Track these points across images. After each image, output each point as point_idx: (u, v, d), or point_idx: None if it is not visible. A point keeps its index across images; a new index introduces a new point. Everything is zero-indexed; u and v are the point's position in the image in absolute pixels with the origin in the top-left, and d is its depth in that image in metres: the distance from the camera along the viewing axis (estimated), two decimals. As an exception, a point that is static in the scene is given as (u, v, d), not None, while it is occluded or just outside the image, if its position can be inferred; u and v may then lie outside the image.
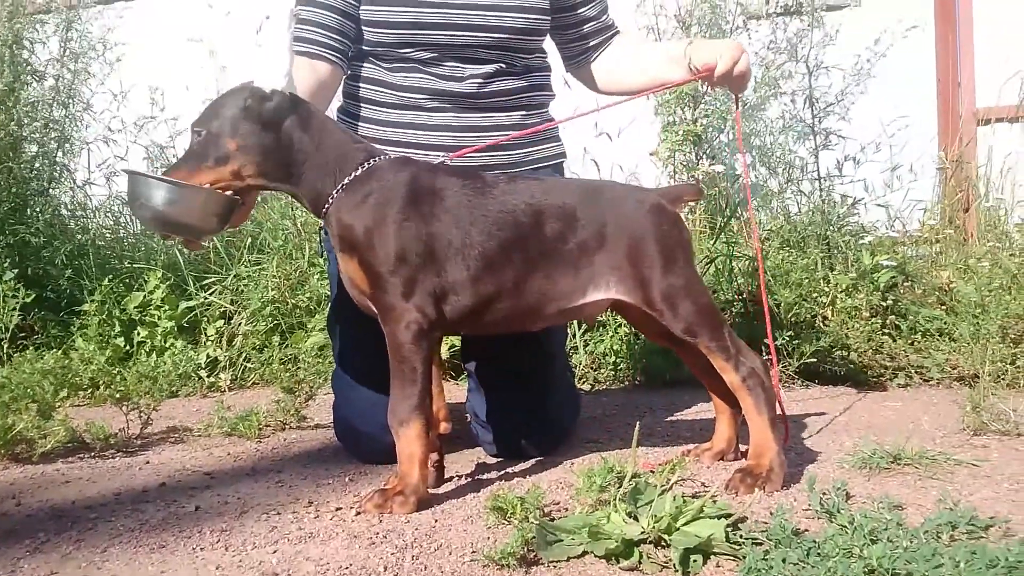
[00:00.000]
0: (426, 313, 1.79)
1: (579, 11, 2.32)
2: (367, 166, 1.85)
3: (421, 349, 1.79)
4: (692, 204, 3.82)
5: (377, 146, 2.00)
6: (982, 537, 1.49)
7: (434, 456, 1.94)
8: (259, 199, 4.12)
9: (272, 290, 3.62)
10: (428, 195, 1.84)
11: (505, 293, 1.86)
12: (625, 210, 1.92)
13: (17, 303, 3.52)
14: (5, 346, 3.45)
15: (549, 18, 2.24)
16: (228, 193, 1.80)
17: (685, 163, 4.04)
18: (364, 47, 2.21)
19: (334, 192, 1.84)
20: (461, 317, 1.85)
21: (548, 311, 1.91)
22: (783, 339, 2.94)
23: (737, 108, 2.29)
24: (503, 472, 2.09)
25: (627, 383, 3.24)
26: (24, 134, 4.00)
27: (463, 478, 2.04)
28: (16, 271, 3.64)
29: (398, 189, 1.83)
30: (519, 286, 1.87)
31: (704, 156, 4.05)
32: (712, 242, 3.57)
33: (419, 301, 1.79)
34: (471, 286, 1.83)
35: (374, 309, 1.85)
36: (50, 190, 4.16)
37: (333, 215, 1.84)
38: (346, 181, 1.84)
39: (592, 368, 3.28)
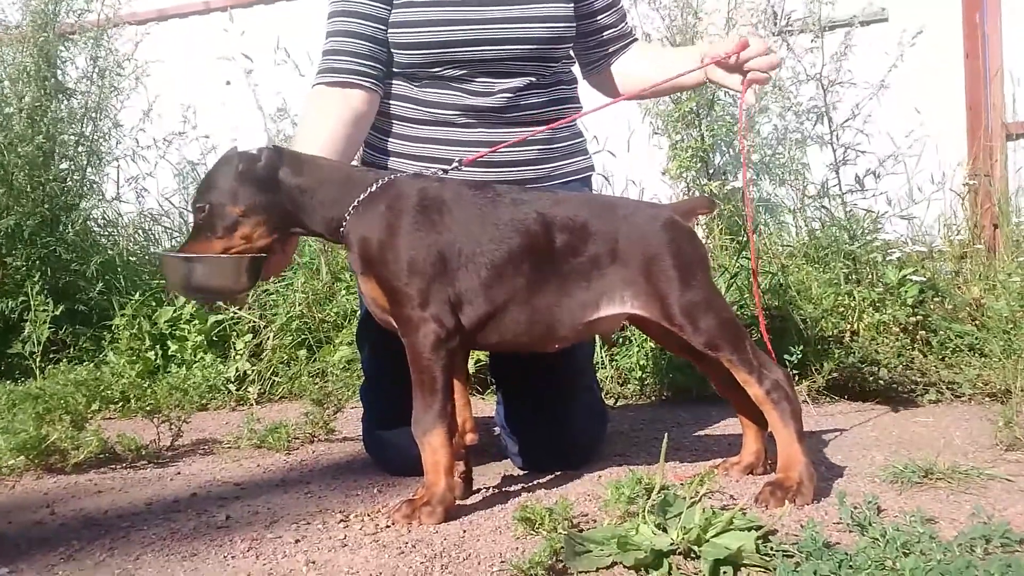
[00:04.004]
0: (443, 322, 1.80)
1: (598, 18, 2.34)
2: (378, 184, 1.88)
3: (440, 358, 1.80)
4: (706, 217, 3.83)
5: (387, 169, 2.02)
6: (1017, 551, 1.47)
7: (461, 467, 1.95)
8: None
9: (299, 305, 3.65)
10: (437, 206, 1.86)
11: (517, 302, 1.86)
12: (638, 225, 1.92)
13: (48, 316, 3.58)
14: (37, 359, 3.50)
15: (574, 25, 2.25)
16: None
17: (696, 181, 4.07)
18: (394, 68, 2.23)
19: (348, 212, 1.86)
20: (477, 326, 1.86)
21: (563, 325, 1.90)
22: (799, 353, 2.92)
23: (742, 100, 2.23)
24: (531, 484, 2.09)
25: (653, 398, 3.24)
26: (55, 149, 4.07)
27: (491, 490, 2.05)
28: (47, 285, 3.71)
29: (407, 201, 1.85)
30: (531, 296, 1.87)
31: (711, 174, 4.08)
32: (735, 259, 3.57)
33: (435, 311, 1.80)
34: (483, 294, 1.84)
35: (395, 325, 1.86)
36: (80, 205, 4.23)
37: (349, 234, 1.87)
38: (358, 201, 1.86)
39: (618, 383, 3.27)
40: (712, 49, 2.16)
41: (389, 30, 2.16)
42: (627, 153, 4.32)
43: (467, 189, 1.91)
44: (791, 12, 3.88)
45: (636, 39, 2.44)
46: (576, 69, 2.41)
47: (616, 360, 3.31)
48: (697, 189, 4.09)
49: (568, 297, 1.88)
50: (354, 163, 2.22)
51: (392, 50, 2.19)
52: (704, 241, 3.96)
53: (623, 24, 2.39)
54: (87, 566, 1.61)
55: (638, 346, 3.27)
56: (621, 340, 3.33)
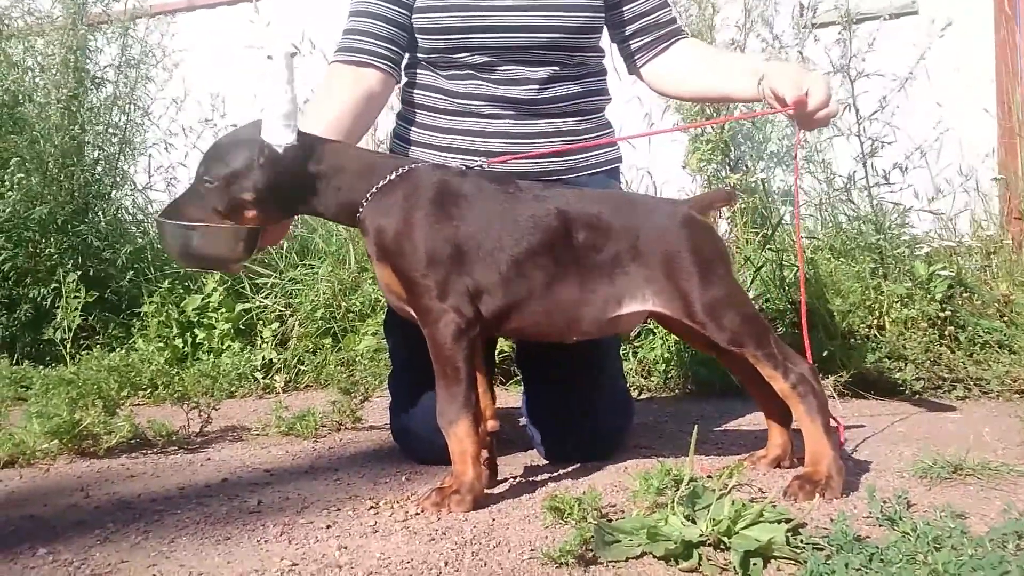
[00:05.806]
0: (463, 312, 1.80)
1: (624, 8, 2.28)
2: (398, 172, 1.88)
3: (461, 348, 1.80)
4: (726, 209, 3.85)
5: (408, 158, 2.03)
6: (1049, 548, 1.46)
7: (485, 454, 1.95)
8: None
9: (324, 294, 3.68)
10: (457, 198, 1.86)
11: (538, 297, 1.86)
12: (657, 222, 1.91)
13: (79, 303, 3.63)
14: (68, 346, 3.55)
15: (602, 15, 2.22)
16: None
17: (716, 174, 4.06)
18: (419, 54, 2.24)
19: (366, 199, 1.86)
20: (497, 318, 1.86)
21: (585, 321, 1.90)
22: (829, 348, 2.91)
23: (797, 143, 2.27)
24: (558, 474, 2.10)
25: (677, 391, 3.24)
26: (87, 139, 4.12)
27: (519, 479, 2.06)
28: (79, 272, 3.76)
29: (426, 192, 1.85)
30: (552, 291, 1.87)
31: (732, 166, 4.07)
32: (760, 251, 3.55)
33: (454, 301, 1.80)
34: (502, 288, 1.84)
35: (413, 314, 1.87)
36: (112, 193, 4.28)
37: (365, 220, 1.87)
38: (376, 188, 1.86)
39: (641, 375, 3.28)
40: (775, 80, 2.02)
41: (413, 15, 2.18)
42: (648, 145, 4.31)
43: (488, 183, 1.91)
44: (817, 4, 3.84)
45: (682, 35, 2.34)
46: (607, 63, 2.39)
47: (639, 352, 3.31)
48: (718, 182, 4.09)
49: (590, 293, 1.88)
50: (379, 151, 2.23)
51: (416, 35, 2.20)
52: (728, 234, 3.95)
53: (660, 14, 2.30)
54: (123, 548, 1.64)
55: (661, 339, 3.27)
56: (644, 332, 3.33)
